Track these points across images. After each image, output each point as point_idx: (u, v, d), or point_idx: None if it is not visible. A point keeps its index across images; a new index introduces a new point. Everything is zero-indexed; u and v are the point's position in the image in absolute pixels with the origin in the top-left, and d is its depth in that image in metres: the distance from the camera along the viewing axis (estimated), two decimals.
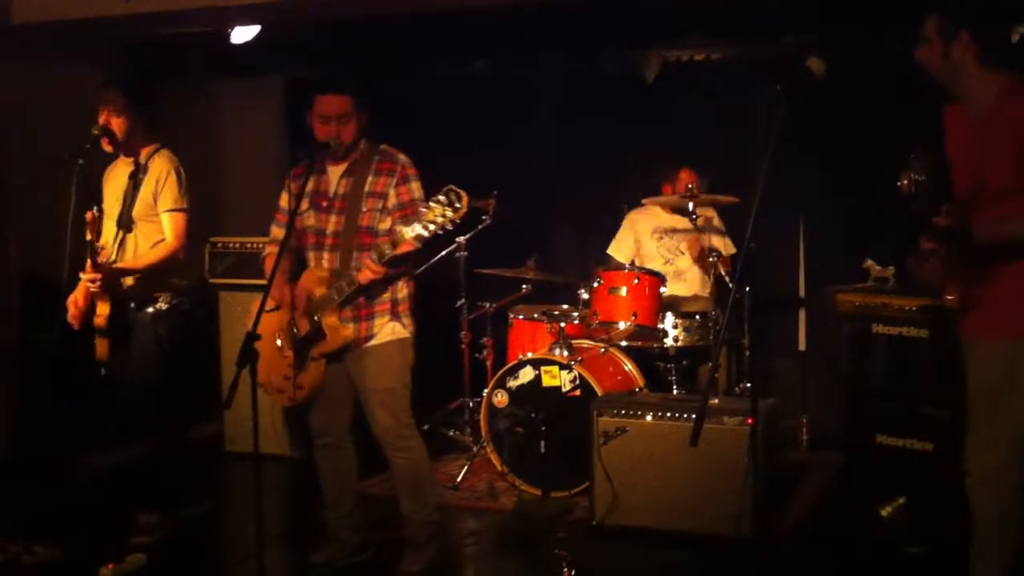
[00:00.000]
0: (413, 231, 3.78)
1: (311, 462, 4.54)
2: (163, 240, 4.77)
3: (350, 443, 4.44)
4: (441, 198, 3.70)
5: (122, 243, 4.77)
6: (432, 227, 3.72)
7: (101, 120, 4.77)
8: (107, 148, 4.82)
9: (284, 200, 4.34)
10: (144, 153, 4.85)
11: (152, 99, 4.93)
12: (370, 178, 4.16)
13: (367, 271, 3.93)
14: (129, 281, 4.78)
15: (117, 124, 4.76)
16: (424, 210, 3.73)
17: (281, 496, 5.70)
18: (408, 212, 4.08)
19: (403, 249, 3.88)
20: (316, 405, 4.35)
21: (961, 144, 3.40)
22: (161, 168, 4.80)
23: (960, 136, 3.41)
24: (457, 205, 3.69)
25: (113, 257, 4.74)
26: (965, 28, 3.25)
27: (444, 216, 3.69)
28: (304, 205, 4.22)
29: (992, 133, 3.25)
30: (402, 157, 4.21)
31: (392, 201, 4.15)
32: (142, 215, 4.78)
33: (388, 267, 3.95)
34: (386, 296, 4.20)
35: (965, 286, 3.29)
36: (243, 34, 6.33)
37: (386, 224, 4.13)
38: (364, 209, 4.13)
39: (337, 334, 4.11)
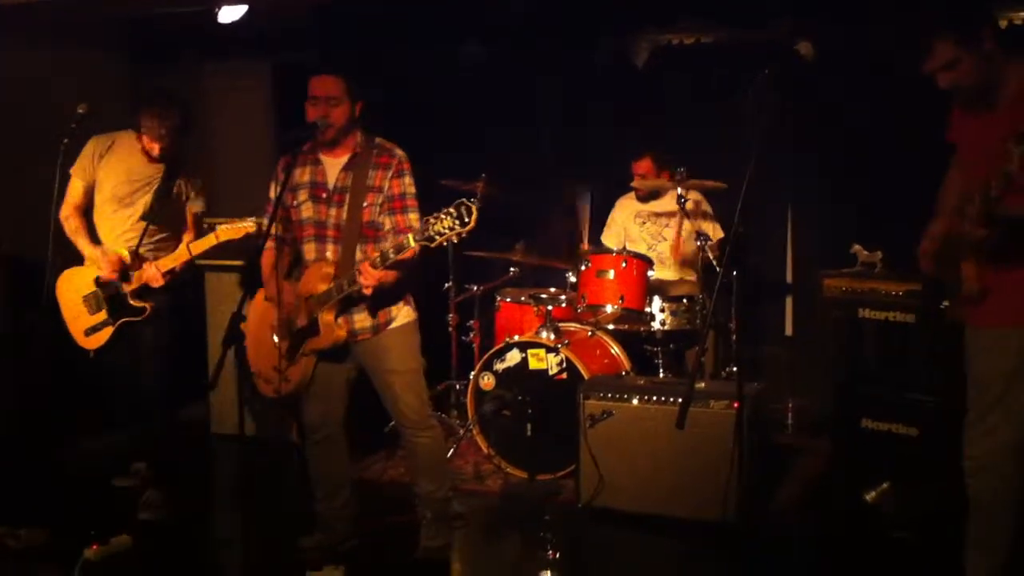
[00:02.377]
0: (419, 239, 3.75)
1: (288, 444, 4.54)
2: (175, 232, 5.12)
3: (343, 436, 4.43)
4: (452, 211, 3.67)
5: (143, 238, 5.00)
6: (439, 237, 3.70)
7: (148, 147, 4.94)
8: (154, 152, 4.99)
9: (273, 191, 4.28)
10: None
11: (188, 114, 5.06)
12: (370, 172, 4.12)
13: (368, 276, 3.88)
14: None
15: (160, 148, 4.94)
16: (433, 220, 3.70)
17: (267, 479, 5.71)
18: (395, 205, 4.10)
19: (406, 256, 3.85)
20: (311, 399, 4.33)
21: (983, 134, 3.27)
22: (194, 178, 5.13)
23: (979, 126, 3.33)
24: (466, 220, 3.67)
25: (135, 245, 4.98)
26: (983, 26, 3.16)
27: (452, 229, 3.67)
28: (302, 196, 4.20)
29: (1020, 119, 3.11)
30: (399, 151, 4.17)
31: (385, 194, 4.12)
32: (168, 213, 5.04)
33: (389, 269, 3.92)
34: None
35: (984, 273, 3.26)
36: (230, 14, 6.28)
37: (385, 218, 4.12)
38: (365, 204, 4.10)
39: (331, 332, 4.10)
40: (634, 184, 6.34)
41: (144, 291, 4.94)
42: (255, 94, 7.51)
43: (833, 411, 5.12)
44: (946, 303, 3.50)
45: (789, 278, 6.61)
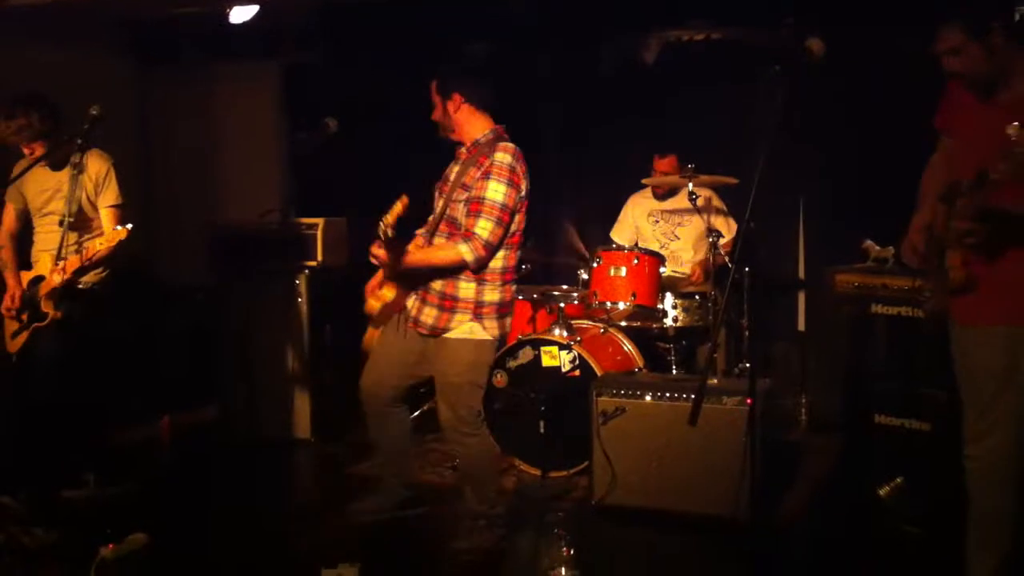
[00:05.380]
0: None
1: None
2: (99, 234, 4.91)
3: (394, 411, 4.47)
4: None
5: (63, 241, 4.87)
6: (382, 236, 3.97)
7: (27, 152, 4.89)
8: (26, 153, 4.92)
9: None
10: (76, 155, 4.91)
11: (54, 108, 4.93)
12: (469, 169, 4.14)
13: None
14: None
15: (39, 147, 4.87)
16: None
17: (284, 478, 5.75)
18: (472, 208, 4.08)
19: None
20: (370, 362, 4.42)
21: (979, 124, 3.28)
22: (100, 167, 4.95)
23: (976, 116, 3.32)
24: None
25: (63, 255, 4.85)
26: (994, 17, 3.17)
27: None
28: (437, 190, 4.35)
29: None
30: (499, 156, 4.09)
31: (472, 194, 4.11)
32: (87, 212, 4.95)
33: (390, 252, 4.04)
34: (471, 295, 4.17)
35: (969, 267, 3.25)
36: (241, 14, 6.30)
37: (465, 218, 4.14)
38: (453, 199, 4.15)
39: (370, 300, 4.33)
40: (646, 180, 6.34)
41: (58, 297, 4.84)
42: (264, 95, 7.54)
43: (845, 407, 5.11)
44: (927, 293, 3.48)
45: (801, 274, 6.60)
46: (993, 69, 3.22)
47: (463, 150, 4.25)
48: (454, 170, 4.24)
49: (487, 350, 4.27)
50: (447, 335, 4.18)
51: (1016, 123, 2.92)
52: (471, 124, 4.20)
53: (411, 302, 4.27)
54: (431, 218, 4.32)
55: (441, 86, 4.16)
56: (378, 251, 4.10)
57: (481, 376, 4.30)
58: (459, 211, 4.12)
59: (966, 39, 3.18)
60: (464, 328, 4.17)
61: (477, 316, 4.17)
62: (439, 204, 4.25)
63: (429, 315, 4.19)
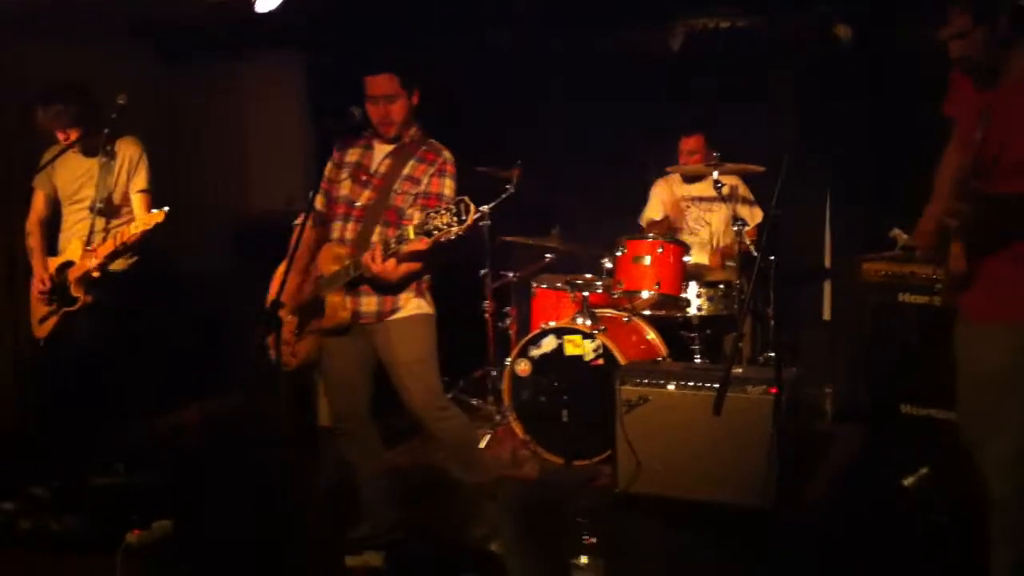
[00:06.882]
0: (418, 232, 3.76)
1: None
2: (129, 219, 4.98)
3: (371, 424, 4.40)
4: (452, 207, 3.70)
5: (92, 227, 4.93)
6: (436, 233, 3.72)
7: (62, 138, 4.92)
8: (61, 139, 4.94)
9: (328, 170, 4.30)
10: (108, 142, 4.96)
11: (90, 95, 4.97)
12: (411, 162, 4.14)
13: (372, 266, 3.90)
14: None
15: (76, 133, 4.90)
16: (433, 214, 3.73)
17: (310, 467, 5.76)
18: (430, 203, 4.07)
19: (410, 247, 3.85)
20: (334, 391, 4.38)
21: (982, 108, 3.25)
22: (132, 152, 5.00)
23: (976, 102, 3.29)
24: (463, 217, 3.69)
25: (92, 240, 4.92)
26: (1002, 2, 3.13)
27: (449, 226, 3.69)
28: (344, 175, 4.24)
29: (1019, 102, 3.14)
30: (447, 153, 4.19)
31: (422, 188, 4.12)
32: (116, 198, 4.98)
33: (398, 261, 3.92)
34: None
35: (973, 260, 3.19)
36: (266, 3, 6.30)
37: (415, 212, 4.08)
38: (398, 190, 4.12)
39: (335, 313, 4.12)
40: (669, 168, 6.31)
41: (88, 282, 4.88)
42: (289, 85, 7.55)
43: (872, 396, 5.09)
44: (939, 286, 3.45)
45: (827, 263, 6.57)
46: (998, 56, 3.20)
47: (394, 144, 4.19)
48: (384, 162, 4.18)
49: (434, 324, 4.26)
50: (396, 316, 4.15)
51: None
52: (413, 125, 4.21)
53: (346, 301, 4.17)
54: (350, 206, 4.19)
55: (408, 80, 4.11)
56: (386, 266, 3.91)
57: (435, 350, 4.27)
58: (407, 203, 4.09)
59: (973, 23, 3.16)
60: (412, 305, 4.17)
61: (420, 292, 4.19)
62: (365, 194, 4.15)
63: (371, 303, 4.14)
